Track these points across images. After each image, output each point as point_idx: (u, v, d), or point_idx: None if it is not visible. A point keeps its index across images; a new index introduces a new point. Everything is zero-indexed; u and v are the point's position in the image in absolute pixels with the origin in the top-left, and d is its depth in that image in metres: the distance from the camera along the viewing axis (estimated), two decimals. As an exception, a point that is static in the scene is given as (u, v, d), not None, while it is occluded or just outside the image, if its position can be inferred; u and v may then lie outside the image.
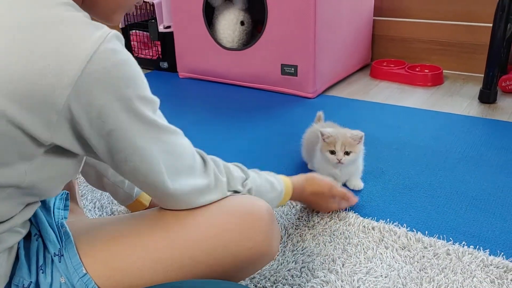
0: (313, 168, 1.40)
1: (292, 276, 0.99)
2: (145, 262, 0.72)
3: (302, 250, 1.07)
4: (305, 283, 0.97)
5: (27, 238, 0.72)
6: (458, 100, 1.98)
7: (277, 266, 1.02)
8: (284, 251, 1.07)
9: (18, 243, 0.70)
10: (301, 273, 1.00)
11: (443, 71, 2.24)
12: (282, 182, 0.99)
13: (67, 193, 0.78)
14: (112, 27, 0.65)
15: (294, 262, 1.03)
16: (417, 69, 2.27)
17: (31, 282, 0.68)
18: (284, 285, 0.96)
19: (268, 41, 2.05)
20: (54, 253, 0.70)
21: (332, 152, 1.25)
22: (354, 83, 2.24)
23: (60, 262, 0.70)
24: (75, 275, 0.69)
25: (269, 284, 0.97)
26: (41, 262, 0.70)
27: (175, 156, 0.70)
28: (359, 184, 1.32)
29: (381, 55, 2.48)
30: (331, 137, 1.25)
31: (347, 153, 1.24)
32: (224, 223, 0.75)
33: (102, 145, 0.64)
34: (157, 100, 0.69)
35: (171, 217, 0.76)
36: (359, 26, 2.30)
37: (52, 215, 0.74)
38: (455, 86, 2.15)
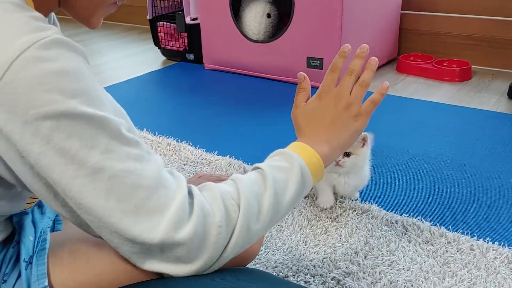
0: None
1: (314, 266, 1.00)
2: (107, 269, 0.65)
3: (324, 241, 1.07)
4: (327, 273, 0.98)
5: (5, 244, 0.67)
6: (486, 96, 1.95)
7: (299, 256, 1.03)
8: (305, 242, 1.08)
9: None
10: (323, 264, 1.00)
11: (472, 66, 2.20)
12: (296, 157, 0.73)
13: None
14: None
15: (316, 253, 1.04)
16: (444, 64, 2.24)
17: None
18: (306, 275, 0.98)
19: (294, 34, 2.05)
20: (24, 259, 0.65)
21: None
22: (380, 77, 2.22)
23: (26, 269, 0.64)
24: (35, 285, 0.63)
25: (291, 273, 0.98)
26: (7, 271, 0.65)
27: (125, 190, 0.54)
28: (355, 194, 1.24)
29: (408, 49, 2.45)
30: None
31: (347, 155, 1.11)
32: None
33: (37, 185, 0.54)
34: (111, 120, 0.53)
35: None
36: (386, 20, 2.27)
37: (40, 222, 0.70)
38: (484, 82, 2.12)
